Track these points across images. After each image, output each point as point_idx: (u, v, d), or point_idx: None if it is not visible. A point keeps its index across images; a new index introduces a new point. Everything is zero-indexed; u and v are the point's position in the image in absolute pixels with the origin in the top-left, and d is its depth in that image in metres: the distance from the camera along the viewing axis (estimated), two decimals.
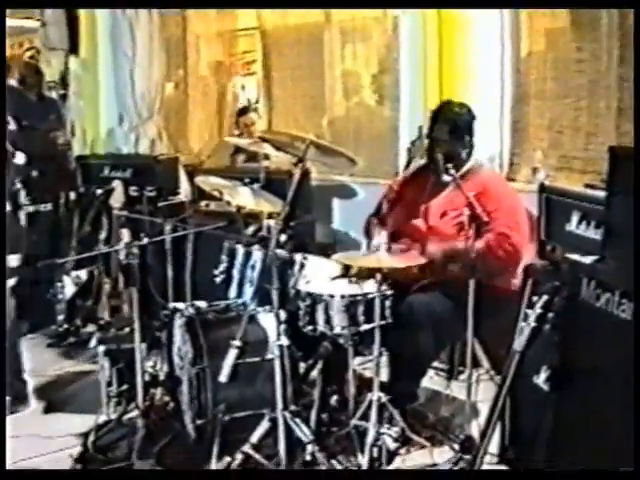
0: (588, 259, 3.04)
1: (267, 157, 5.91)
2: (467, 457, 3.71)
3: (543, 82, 5.37)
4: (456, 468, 3.66)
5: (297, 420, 3.96)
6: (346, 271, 4.36)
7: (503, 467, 3.77)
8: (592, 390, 2.92)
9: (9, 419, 4.47)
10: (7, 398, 4.63)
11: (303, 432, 3.94)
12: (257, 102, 7.94)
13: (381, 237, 4.10)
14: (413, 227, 4.49)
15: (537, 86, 5.43)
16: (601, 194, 3.36)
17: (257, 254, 4.31)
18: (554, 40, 5.26)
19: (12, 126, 4.85)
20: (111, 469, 3.84)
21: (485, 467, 3.61)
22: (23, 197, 5.14)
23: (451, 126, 4.41)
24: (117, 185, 6.19)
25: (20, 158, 4.75)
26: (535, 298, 2.82)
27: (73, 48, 8.07)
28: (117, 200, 6.13)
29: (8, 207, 4.46)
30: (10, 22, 7.83)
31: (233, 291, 4.37)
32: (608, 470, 2.73)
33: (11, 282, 4.54)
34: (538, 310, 2.74)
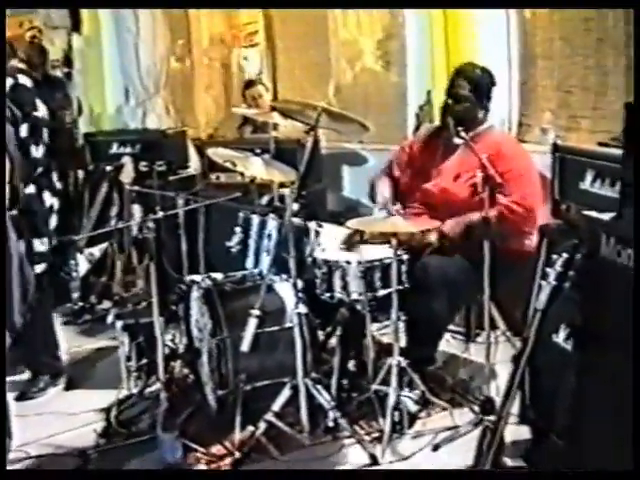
0: (606, 216, 3.05)
1: (275, 127, 5.91)
2: (488, 418, 3.72)
3: (550, 42, 5.34)
4: (477, 429, 3.66)
5: (318, 387, 4.01)
6: (360, 237, 4.39)
7: (524, 427, 3.78)
8: (613, 348, 2.93)
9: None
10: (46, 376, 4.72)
11: (324, 399, 3.98)
12: (260, 73, 7.91)
13: (385, 194, 4.15)
14: (425, 191, 4.49)
15: (544, 46, 5.39)
16: (615, 152, 3.36)
17: (272, 223, 4.32)
18: None
19: (42, 112, 4.82)
20: (111, 470, 3.86)
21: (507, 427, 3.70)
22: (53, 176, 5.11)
23: (471, 84, 4.40)
24: (126, 161, 6.18)
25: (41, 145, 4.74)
26: (555, 257, 2.82)
27: (75, 26, 8.05)
28: (127, 176, 6.13)
29: (32, 189, 4.45)
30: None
31: (250, 261, 4.39)
32: (608, 470, 2.76)
33: (40, 268, 4.54)
34: (558, 268, 2.75)
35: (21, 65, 6.47)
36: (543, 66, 5.43)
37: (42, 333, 4.67)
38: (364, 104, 6.65)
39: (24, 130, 4.55)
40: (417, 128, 4.91)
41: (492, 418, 3.41)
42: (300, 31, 7.30)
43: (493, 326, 4.36)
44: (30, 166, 4.52)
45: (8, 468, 3.71)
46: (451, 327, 4.89)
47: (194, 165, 6.50)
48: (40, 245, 4.48)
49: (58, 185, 5.31)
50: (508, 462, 3.35)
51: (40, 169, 4.68)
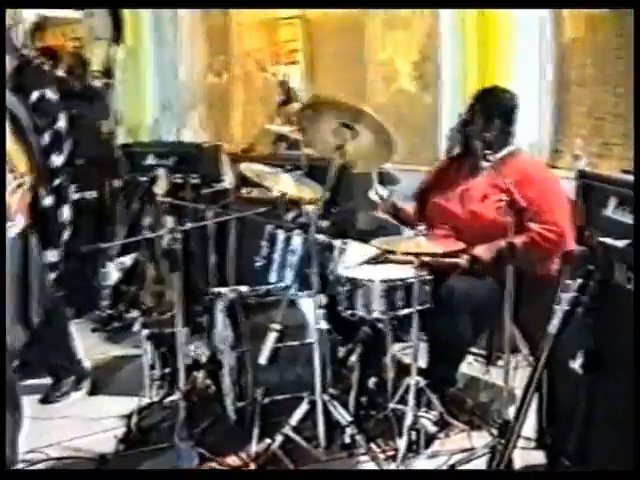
0: (621, 243, 3.05)
1: (309, 145, 5.95)
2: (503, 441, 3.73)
3: (583, 68, 5.35)
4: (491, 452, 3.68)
5: (335, 403, 4.04)
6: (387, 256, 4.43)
7: (540, 452, 3.78)
8: (625, 374, 2.93)
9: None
10: (69, 379, 4.79)
11: (341, 415, 4.01)
12: (300, 91, 7.97)
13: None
14: (450, 212, 4.50)
15: (578, 72, 5.40)
16: None
17: (297, 239, 4.35)
18: (594, 27, 5.23)
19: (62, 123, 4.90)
20: (112, 469, 3.91)
21: (522, 452, 3.70)
22: (71, 189, 5.18)
23: (494, 108, 4.43)
24: (161, 173, 6.25)
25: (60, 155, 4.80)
26: (569, 282, 2.84)
27: (117, 37, 8.17)
28: (161, 188, 6.20)
29: (50, 201, 4.49)
30: (54, 12, 7.97)
31: (274, 275, 4.43)
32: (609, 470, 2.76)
33: (52, 276, 4.61)
34: (572, 293, 2.77)
35: (61, 73, 6.61)
36: (576, 92, 5.44)
37: (57, 339, 4.75)
38: (397, 124, 6.66)
39: (46, 138, 4.63)
40: (448, 150, 4.91)
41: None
42: (338, 50, 7.36)
43: (515, 350, 4.36)
44: (50, 175, 4.59)
45: (28, 468, 3.80)
46: (474, 350, 4.89)
47: (228, 179, 6.56)
48: (51, 257, 4.55)
49: (76, 196, 5.37)
50: None
51: (60, 179, 4.74)
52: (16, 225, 2.91)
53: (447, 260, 4.25)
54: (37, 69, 5.34)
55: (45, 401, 4.70)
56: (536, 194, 4.19)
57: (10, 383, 3.40)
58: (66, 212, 4.77)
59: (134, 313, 6.19)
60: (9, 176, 3.02)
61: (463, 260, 4.29)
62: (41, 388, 4.78)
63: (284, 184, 4.58)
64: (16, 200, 2.95)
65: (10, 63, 4.64)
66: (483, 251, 4.29)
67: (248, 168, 4.79)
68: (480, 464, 3.79)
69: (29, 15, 8.57)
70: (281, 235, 4.43)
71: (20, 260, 2.96)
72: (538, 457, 3.75)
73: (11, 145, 2.92)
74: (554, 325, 2.80)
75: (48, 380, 4.83)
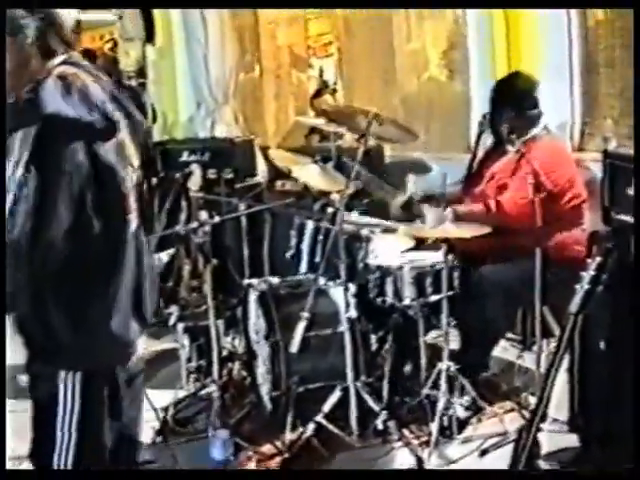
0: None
1: (341, 137, 5.98)
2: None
3: (612, 50, 5.31)
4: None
5: (368, 390, 4.07)
6: (419, 243, 4.45)
7: (573, 435, 3.78)
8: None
9: None
10: None
11: (374, 402, 4.04)
12: (335, 83, 8.01)
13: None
14: (473, 195, 4.53)
15: (606, 54, 5.37)
16: None
17: (325, 229, 4.39)
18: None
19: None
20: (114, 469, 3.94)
21: (555, 435, 3.70)
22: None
23: (512, 102, 4.43)
24: (195, 168, 6.29)
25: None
26: (589, 261, 2.84)
27: (149, 38, 8.26)
28: (195, 183, 6.24)
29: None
30: (91, 16, 8.08)
31: (303, 266, 4.47)
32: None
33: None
34: (591, 272, 2.77)
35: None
36: (605, 74, 5.41)
37: None
38: (429, 113, 6.70)
39: None
40: (479, 137, 4.91)
41: (541, 425, 3.42)
42: (367, 42, 7.38)
43: (549, 334, 4.35)
44: None
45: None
46: (509, 334, 4.89)
47: (261, 173, 6.60)
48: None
49: None
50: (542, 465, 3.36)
51: None
52: (133, 220, 2.96)
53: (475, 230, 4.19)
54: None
55: None
56: (558, 175, 4.19)
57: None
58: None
59: (172, 308, 6.25)
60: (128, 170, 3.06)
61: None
62: None
63: (312, 175, 4.61)
64: (133, 197, 3.00)
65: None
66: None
67: (277, 156, 4.81)
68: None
69: (67, 18, 8.66)
70: (310, 225, 4.47)
71: (135, 255, 3.01)
72: (571, 440, 3.74)
73: (129, 141, 2.95)
74: (575, 304, 2.80)
75: None
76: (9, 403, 3.44)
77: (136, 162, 3.05)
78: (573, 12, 5.38)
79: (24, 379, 3.24)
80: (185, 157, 6.47)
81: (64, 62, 2.79)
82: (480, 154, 4.71)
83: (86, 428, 2.99)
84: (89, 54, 6.72)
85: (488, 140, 4.94)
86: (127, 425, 3.23)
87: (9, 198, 2.73)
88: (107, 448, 3.10)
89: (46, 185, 2.74)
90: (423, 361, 4.32)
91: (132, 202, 2.96)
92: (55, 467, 3.00)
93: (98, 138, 2.79)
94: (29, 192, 2.72)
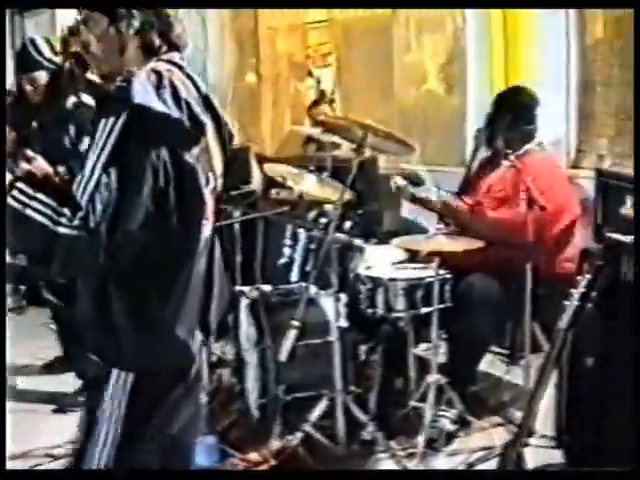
0: (628, 238, 3.07)
1: (338, 146, 5.99)
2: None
3: (609, 69, 5.34)
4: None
5: (356, 400, 4.07)
6: (412, 256, 4.46)
7: (559, 451, 3.79)
8: (634, 368, 2.95)
9: None
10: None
11: (362, 412, 4.04)
12: (333, 93, 8.02)
13: None
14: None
15: (603, 73, 5.40)
16: None
17: (318, 238, 4.39)
18: (619, 27, 5.22)
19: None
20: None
21: (541, 451, 3.71)
22: None
23: (510, 111, 4.44)
24: None
25: None
26: (579, 278, 2.86)
27: None
28: None
29: None
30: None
31: (295, 274, 4.47)
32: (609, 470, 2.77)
33: None
34: (581, 289, 2.79)
35: (95, 78, 6.67)
36: (602, 93, 5.44)
37: None
38: (425, 125, 6.72)
39: (87, 142, 4.68)
40: (475, 151, 4.94)
41: (529, 441, 3.43)
42: (366, 53, 7.41)
43: (538, 349, 4.37)
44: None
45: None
46: (496, 349, 4.90)
47: (256, 181, 6.61)
48: None
49: None
50: None
51: None
52: (207, 226, 2.89)
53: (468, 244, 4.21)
54: (69, 75, 5.40)
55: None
56: (546, 189, 4.20)
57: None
58: None
59: None
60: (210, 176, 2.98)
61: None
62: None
63: (307, 184, 4.63)
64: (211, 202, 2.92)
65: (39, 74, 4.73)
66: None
67: (272, 169, 4.84)
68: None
69: (64, 20, 8.66)
70: (302, 234, 4.48)
71: (207, 263, 2.94)
72: (557, 456, 3.75)
73: (214, 145, 2.89)
74: (564, 320, 2.82)
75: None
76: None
77: (219, 168, 2.98)
78: (572, 29, 5.41)
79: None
80: None
81: (160, 59, 2.72)
82: (475, 167, 4.73)
83: (128, 430, 2.91)
84: (81, 58, 6.66)
85: (483, 154, 4.98)
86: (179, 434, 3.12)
87: (89, 187, 2.58)
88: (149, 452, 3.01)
89: (128, 178, 2.60)
90: (412, 373, 4.33)
91: (210, 208, 2.90)
92: (95, 466, 2.92)
93: (184, 141, 2.68)
94: (110, 182, 2.56)
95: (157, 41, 2.75)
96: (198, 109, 2.63)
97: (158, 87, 2.56)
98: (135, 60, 2.73)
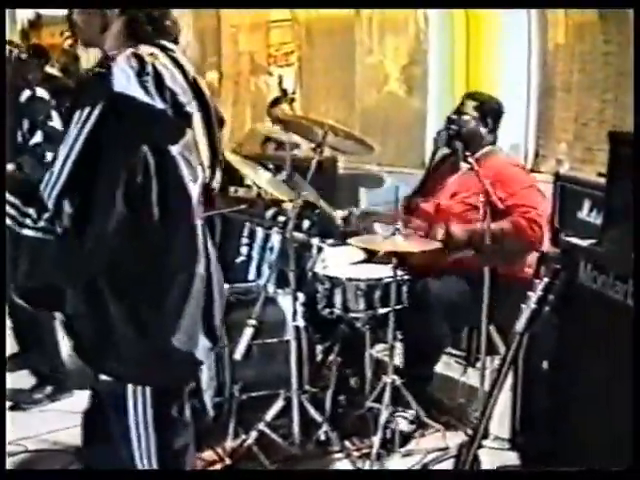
0: (586, 242, 3.10)
1: (297, 146, 5.97)
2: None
3: (570, 74, 5.38)
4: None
5: (312, 400, 4.06)
6: (370, 256, 4.45)
7: (514, 453, 3.81)
8: (590, 371, 2.97)
9: None
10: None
11: (317, 412, 4.03)
12: (294, 93, 8.00)
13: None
14: (422, 210, 4.53)
15: (563, 78, 5.44)
16: None
17: (276, 237, 4.37)
18: (582, 33, 5.26)
19: (56, 123, 4.84)
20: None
21: (496, 452, 3.73)
22: None
23: (477, 106, 4.47)
24: None
25: None
26: (537, 281, 2.87)
27: None
28: None
29: None
30: (50, 11, 7.98)
31: (252, 272, 4.45)
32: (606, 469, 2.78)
33: None
34: (538, 292, 2.80)
35: (54, 71, 6.61)
36: (561, 98, 5.48)
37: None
38: (385, 127, 6.73)
39: (39, 136, 4.63)
40: (434, 153, 4.96)
41: (484, 442, 3.43)
42: (329, 54, 7.40)
43: (494, 352, 4.38)
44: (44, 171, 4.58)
45: (8, 467, 3.77)
46: (453, 351, 4.91)
47: (215, 178, 6.55)
48: None
49: None
50: None
51: None
52: (199, 227, 2.70)
53: (425, 245, 4.20)
54: (26, 67, 5.34)
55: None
56: (513, 191, 4.21)
57: None
58: None
59: None
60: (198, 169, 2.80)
61: (439, 234, 4.27)
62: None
63: (264, 182, 4.60)
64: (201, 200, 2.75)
65: None
66: (459, 229, 4.31)
67: (233, 159, 4.80)
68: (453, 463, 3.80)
69: (25, 13, 8.61)
70: (260, 233, 4.45)
71: (205, 266, 2.75)
72: (512, 458, 3.77)
73: (202, 136, 2.67)
74: (521, 323, 2.82)
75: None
76: None
77: (207, 160, 2.81)
78: (534, 35, 5.45)
79: None
80: None
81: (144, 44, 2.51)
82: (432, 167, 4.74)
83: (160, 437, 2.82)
84: (40, 50, 6.56)
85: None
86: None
87: (58, 186, 2.44)
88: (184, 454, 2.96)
89: (102, 175, 2.40)
90: (368, 373, 4.33)
91: (198, 206, 2.74)
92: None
93: (167, 134, 2.50)
94: (81, 180, 2.40)
95: (148, 28, 2.55)
96: (184, 99, 2.45)
97: (140, 74, 2.38)
98: (116, 42, 2.55)
